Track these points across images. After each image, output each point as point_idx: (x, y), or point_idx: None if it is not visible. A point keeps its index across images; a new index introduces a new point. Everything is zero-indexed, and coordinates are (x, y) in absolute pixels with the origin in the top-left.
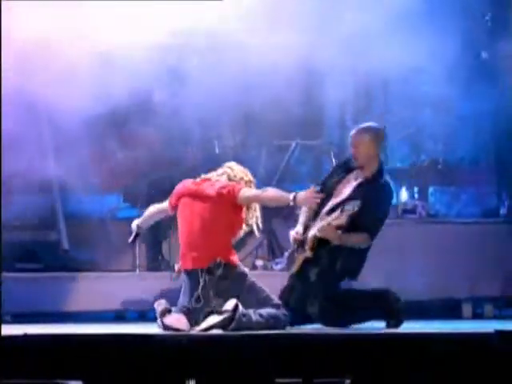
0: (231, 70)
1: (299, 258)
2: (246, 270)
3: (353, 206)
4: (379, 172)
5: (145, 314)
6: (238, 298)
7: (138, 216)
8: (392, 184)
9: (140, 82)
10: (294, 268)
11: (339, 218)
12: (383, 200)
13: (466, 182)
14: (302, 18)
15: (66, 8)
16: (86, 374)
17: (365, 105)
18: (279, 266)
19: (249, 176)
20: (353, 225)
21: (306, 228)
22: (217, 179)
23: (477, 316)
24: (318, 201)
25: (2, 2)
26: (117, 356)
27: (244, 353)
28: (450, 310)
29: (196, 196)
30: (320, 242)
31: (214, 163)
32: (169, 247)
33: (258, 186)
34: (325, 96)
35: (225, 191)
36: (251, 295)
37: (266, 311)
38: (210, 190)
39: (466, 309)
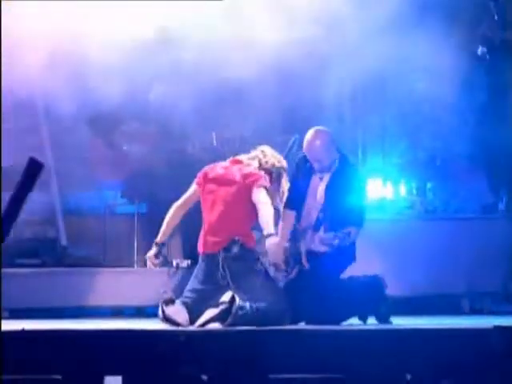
0: (230, 64)
1: (294, 272)
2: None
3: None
4: (342, 159)
5: (142, 310)
6: (249, 283)
7: (137, 212)
8: (357, 166)
9: (137, 76)
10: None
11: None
12: (356, 186)
13: (465, 177)
14: (303, 11)
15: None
16: (83, 369)
17: (362, 100)
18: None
19: (281, 162)
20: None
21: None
22: (247, 163)
23: (475, 311)
24: (281, 260)
25: (2, 2)
26: (114, 352)
27: (240, 348)
28: (447, 305)
29: (222, 181)
30: (311, 254)
31: (213, 157)
32: (167, 243)
33: None
34: (323, 91)
35: (248, 181)
36: (264, 288)
37: (265, 305)
38: (236, 176)
39: (465, 304)
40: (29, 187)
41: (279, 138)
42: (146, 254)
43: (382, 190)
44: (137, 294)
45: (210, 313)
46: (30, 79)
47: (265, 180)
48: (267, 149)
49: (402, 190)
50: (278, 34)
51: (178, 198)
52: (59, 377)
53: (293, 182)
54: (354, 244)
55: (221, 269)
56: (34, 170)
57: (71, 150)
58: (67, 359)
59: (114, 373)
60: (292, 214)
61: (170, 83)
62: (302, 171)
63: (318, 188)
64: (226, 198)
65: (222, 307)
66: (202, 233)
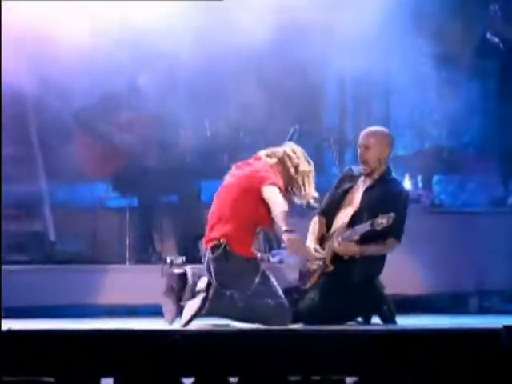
0: (226, 53)
1: (317, 272)
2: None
3: (387, 220)
4: (387, 171)
5: (134, 310)
6: (235, 283)
7: (129, 206)
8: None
9: (130, 65)
10: (312, 280)
11: (355, 234)
12: (397, 197)
13: (473, 170)
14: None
15: None
16: (72, 371)
17: (366, 87)
18: (276, 259)
19: (305, 165)
20: (372, 232)
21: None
22: (266, 160)
23: (484, 310)
24: (304, 254)
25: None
26: (105, 353)
27: (240, 349)
28: (455, 304)
29: (230, 178)
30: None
31: (208, 148)
32: (160, 239)
33: None
34: (324, 80)
35: (253, 179)
36: (254, 289)
37: (253, 299)
38: (239, 176)
39: (473, 303)
40: None
41: (277, 127)
42: (138, 250)
43: None
44: (129, 293)
45: (191, 307)
46: (17, 68)
47: (274, 178)
48: (294, 147)
49: (407, 182)
50: (277, 18)
51: (171, 192)
52: (52, 379)
53: (332, 191)
54: (384, 256)
55: (206, 266)
56: None
57: (59, 140)
58: (60, 361)
59: (105, 375)
60: (323, 221)
61: (162, 71)
62: (343, 184)
63: (356, 193)
64: (226, 195)
65: (201, 296)
66: None
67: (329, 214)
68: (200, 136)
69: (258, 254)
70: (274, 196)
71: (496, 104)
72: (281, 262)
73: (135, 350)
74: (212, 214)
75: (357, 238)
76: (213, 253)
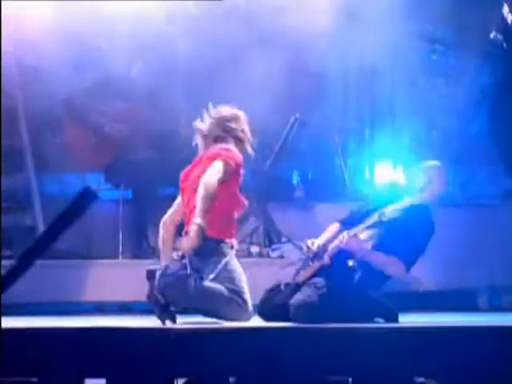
0: (222, 39)
1: (314, 266)
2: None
3: (400, 213)
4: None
5: (127, 306)
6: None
7: (122, 198)
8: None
9: (121, 53)
10: (306, 275)
11: (367, 231)
12: (419, 224)
13: (483, 160)
14: None
15: None
16: (61, 371)
17: (370, 73)
18: (276, 253)
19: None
20: (384, 245)
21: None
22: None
23: (494, 308)
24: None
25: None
26: (96, 352)
27: (236, 347)
28: (464, 301)
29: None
30: (340, 253)
31: None
32: (154, 232)
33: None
34: (327, 66)
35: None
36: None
37: (215, 286)
38: (198, 166)
39: (482, 300)
40: (75, 216)
41: (277, 116)
42: (131, 244)
43: (392, 174)
44: (121, 289)
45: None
46: (5, 55)
47: (225, 153)
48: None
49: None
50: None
51: (166, 183)
52: (35, 379)
53: (360, 206)
54: (384, 276)
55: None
56: (86, 199)
57: (49, 130)
58: (44, 360)
59: (96, 375)
60: (337, 226)
61: (158, 59)
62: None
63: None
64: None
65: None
66: None
67: (346, 224)
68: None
69: (257, 249)
70: (206, 177)
71: (508, 90)
72: (281, 256)
73: (127, 348)
74: (186, 206)
75: (362, 228)
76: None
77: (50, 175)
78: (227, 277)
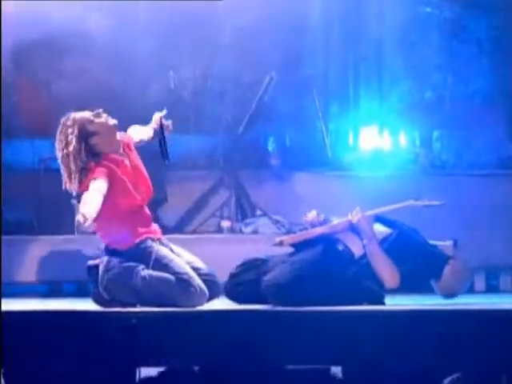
0: None
1: (310, 231)
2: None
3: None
4: None
5: (86, 287)
6: None
7: None
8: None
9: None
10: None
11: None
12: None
13: (480, 124)
14: None
15: None
16: (14, 357)
17: (355, 26)
18: (249, 228)
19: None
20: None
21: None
22: None
23: (491, 289)
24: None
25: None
26: (51, 337)
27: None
28: None
29: None
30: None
31: (172, 101)
32: None
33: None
34: (307, 18)
35: None
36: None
37: (155, 273)
38: None
39: (479, 280)
40: None
41: (250, 77)
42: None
43: (378, 140)
44: (78, 267)
45: None
46: None
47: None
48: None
49: (403, 139)
50: None
51: None
52: None
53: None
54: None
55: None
56: None
57: None
58: None
59: (51, 363)
60: None
61: (118, 12)
62: None
63: None
64: None
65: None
66: None
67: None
68: (162, 87)
69: (228, 224)
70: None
71: (508, 45)
72: (255, 232)
73: (85, 334)
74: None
75: (377, 211)
76: None
77: None
78: (163, 265)
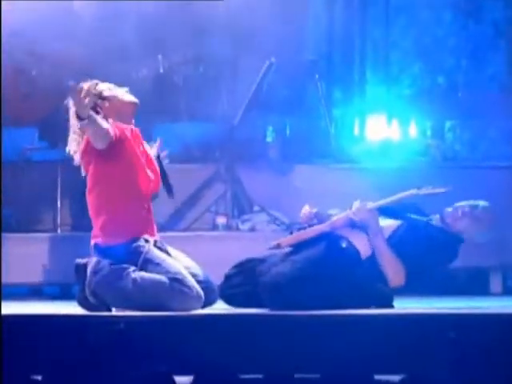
0: None
1: (309, 230)
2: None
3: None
4: None
5: (69, 289)
6: None
7: (62, 159)
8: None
9: None
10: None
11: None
12: (433, 242)
13: (496, 113)
14: None
15: None
16: None
17: (361, 3)
18: (246, 225)
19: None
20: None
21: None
22: None
23: (508, 290)
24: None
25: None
26: (34, 343)
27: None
28: (473, 282)
29: None
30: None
31: (160, 87)
32: None
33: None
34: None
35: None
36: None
37: (146, 275)
38: None
39: (495, 282)
40: None
41: (246, 61)
42: (71, 214)
43: (386, 130)
44: (61, 268)
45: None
46: None
47: None
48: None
49: (413, 129)
50: None
51: None
52: None
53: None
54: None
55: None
56: None
57: None
58: None
59: (31, 371)
60: None
61: None
62: None
63: None
64: None
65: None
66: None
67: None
68: (151, 72)
69: (224, 220)
70: None
71: None
72: (253, 229)
73: (71, 339)
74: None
75: (379, 203)
76: None
77: None
78: (155, 264)
